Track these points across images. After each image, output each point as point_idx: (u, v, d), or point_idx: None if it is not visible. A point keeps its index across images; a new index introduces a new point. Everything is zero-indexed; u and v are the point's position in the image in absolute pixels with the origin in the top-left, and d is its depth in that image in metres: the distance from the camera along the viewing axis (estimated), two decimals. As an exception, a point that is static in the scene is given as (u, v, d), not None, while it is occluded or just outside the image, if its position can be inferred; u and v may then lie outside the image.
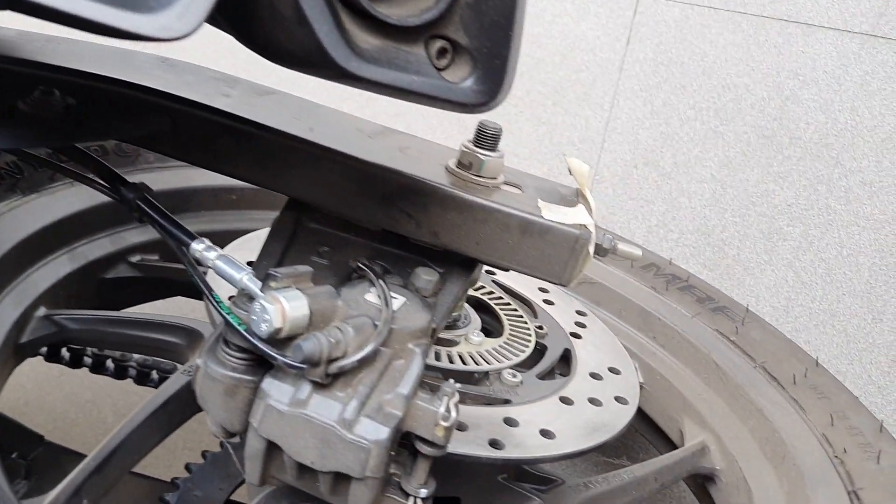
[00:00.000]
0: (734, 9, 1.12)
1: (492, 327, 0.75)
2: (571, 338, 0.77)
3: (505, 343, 0.70)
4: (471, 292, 0.78)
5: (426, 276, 0.59)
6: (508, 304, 0.78)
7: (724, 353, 0.90)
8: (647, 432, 0.95)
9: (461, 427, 0.58)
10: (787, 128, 1.14)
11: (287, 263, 0.65)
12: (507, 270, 0.69)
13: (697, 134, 1.17)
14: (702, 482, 0.84)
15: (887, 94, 1.10)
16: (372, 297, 0.54)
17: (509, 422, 0.60)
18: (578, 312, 0.84)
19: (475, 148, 0.66)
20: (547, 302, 0.83)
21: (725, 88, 1.15)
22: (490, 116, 1.26)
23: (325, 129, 0.66)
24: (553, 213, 0.63)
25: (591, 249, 0.64)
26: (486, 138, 0.65)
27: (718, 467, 0.81)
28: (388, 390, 0.50)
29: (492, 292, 0.79)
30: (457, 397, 0.50)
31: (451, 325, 0.70)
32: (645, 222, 1.21)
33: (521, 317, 0.76)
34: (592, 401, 0.67)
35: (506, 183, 0.68)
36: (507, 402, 0.63)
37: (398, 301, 0.54)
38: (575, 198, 0.69)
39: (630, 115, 1.19)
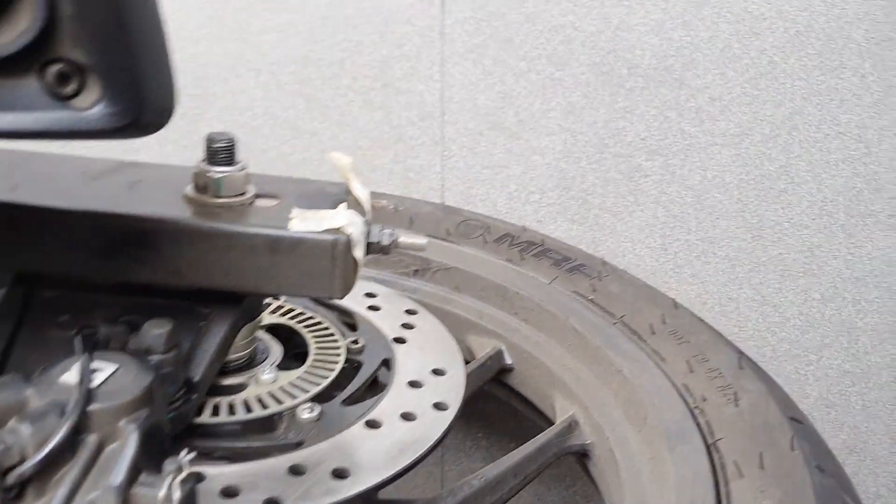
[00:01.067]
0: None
1: (301, 354, 0.68)
2: (395, 344, 0.70)
3: (305, 373, 0.63)
4: (275, 318, 0.70)
5: (155, 331, 0.51)
6: (319, 322, 0.71)
7: (583, 316, 0.84)
8: (530, 415, 0.89)
9: (232, 493, 0.51)
10: (624, 58, 1.07)
11: (19, 346, 0.57)
12: (275, 297, 0.61)
13: (535, 86, 1.10)
14: (581, 460, 0.78)
15: (716, 1, 1.04)
16: (73, 374, 0.46)
17: (295, 470, 0.53)
18: (408, 312, 0.77)
19: (208, 167, 0.58)
20: (372, 308, 0.76)
21: (552, 31, 1.08)
22: (321, 106, 1.18)
23: (34, 183, 0.58)
24: (304, 223, 0.56)
25: (359, 253, 0.57)
26: (218, 153, 0.57)
27: (589, 441, 0.75)
28: (97, 485, 0.43)
29: (302, 314, 0.72)
30: (183, 472, 0.43)
31: (244, 366, 0.63)
32: (504, 189, 1.15)
33: (332, 335, 0.69)
34: (406, 416, 0.60)
35: (259, 195, 0.60)
36: (298, 445, 0.55)
37: (104, 373, 0.46)
38: (345, 196, 0.62)
39: (463, 80, 1.12)
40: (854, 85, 1.03)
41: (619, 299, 0.85)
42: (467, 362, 0.84)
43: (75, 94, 0.42)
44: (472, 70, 1.11)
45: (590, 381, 0.79)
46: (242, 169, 0.59)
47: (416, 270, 0.98)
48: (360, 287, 0.81)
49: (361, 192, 0.61)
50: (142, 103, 0.42)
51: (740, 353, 0.74)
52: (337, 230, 0.55)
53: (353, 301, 0.77)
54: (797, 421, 0.65)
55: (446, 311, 0.91)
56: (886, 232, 1.04)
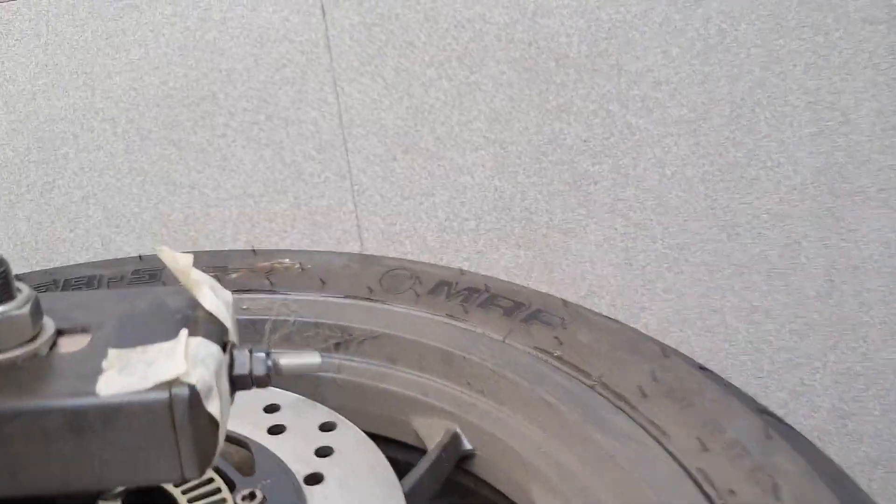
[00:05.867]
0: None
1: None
2: (307, 487, 0.51)
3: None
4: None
5: None
6: (206, 481, 0.51)
7: (553, 380, 0.66)
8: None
9: None
10: (549, 49, 0.90)
11: None
12: (101, 490, 0.41)
13: (449, 95, 0.92)
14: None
15: (646, -32, 0.88)
16: None
17: None
18: (324, 428, 0.58)
19: (-32, 310, 0.38)
20: (275, 430, 0.57)
21: (459, 28, 0.90)
22: (197, 151, 0.96)
23: None
24: (120, 377, 0.36)
25: (214, 407, 0.38)
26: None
27: (586, 555, 0.57)
28: None
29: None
30: None
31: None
32: (433, 220, 0.96)
33: (216, 492, 0.49)
34: None
35: (62, 332, 0.40)
36: None
37: None
38: (191, 310, 0.43)
39: (363, 98, 0.93)
40: (818, 45, 0.88)
41: (593, 352, 0.67)
42: (420, 451, 0.67)
43: None
44: (372, 85, 0.92)
45: (574, 468, 0.62)
46: (26, 302, 0.39)
47: (338, 343, 0.80)
48: (260, 398, 0.62)
49: (214, 303, 0.42)
50: None
51: (763, 411, 0.58)
52: (174, 380, 0.36)
53: (249, 421, 0.58)
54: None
55: (381, 391, 0.73)
56: (878, 210, 0.90)
